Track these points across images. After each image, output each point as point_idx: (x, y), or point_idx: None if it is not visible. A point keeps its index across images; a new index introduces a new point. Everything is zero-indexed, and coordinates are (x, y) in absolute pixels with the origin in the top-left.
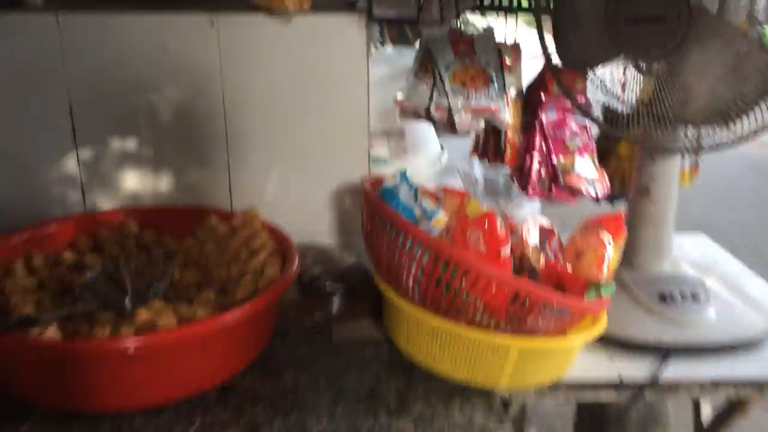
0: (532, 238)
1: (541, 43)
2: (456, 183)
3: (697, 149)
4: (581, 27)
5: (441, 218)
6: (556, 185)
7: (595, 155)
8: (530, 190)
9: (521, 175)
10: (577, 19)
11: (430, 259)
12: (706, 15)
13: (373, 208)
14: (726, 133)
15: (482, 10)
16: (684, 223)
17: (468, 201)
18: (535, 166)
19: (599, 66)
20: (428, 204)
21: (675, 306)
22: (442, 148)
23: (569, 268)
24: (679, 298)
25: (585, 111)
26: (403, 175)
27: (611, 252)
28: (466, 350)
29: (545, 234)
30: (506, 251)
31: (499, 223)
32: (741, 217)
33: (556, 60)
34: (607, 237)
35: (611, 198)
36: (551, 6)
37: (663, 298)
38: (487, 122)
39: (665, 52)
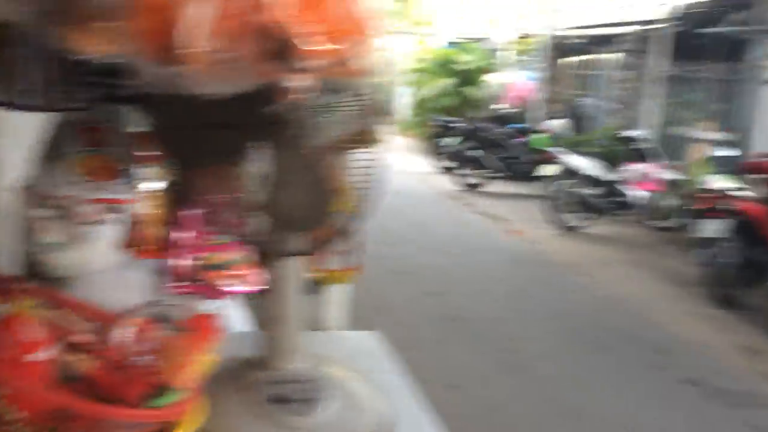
0: (116, 340)
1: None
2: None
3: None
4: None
5: None
6: (199, 282)
7: (249, 251)
8: (172, 287)
9: (165, 271)
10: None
11: None
12: (285, 127)
13: None
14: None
15: (109, 100)
16: (441, 315)
17: (23, 298)
18: (177, 262)
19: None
20: None
21: (285, 408)
22: None
23: (154, 370)
24: (291, 400)
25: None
26: None
27: (195, 355)
28: None
29: (142, 335)
30: (39, 356)
31: (28, 324)
32: (496, 308)
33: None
34: (192, 339)
35: None
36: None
37: (275, 399)
38: (135, 215)
39: (239, 158)
